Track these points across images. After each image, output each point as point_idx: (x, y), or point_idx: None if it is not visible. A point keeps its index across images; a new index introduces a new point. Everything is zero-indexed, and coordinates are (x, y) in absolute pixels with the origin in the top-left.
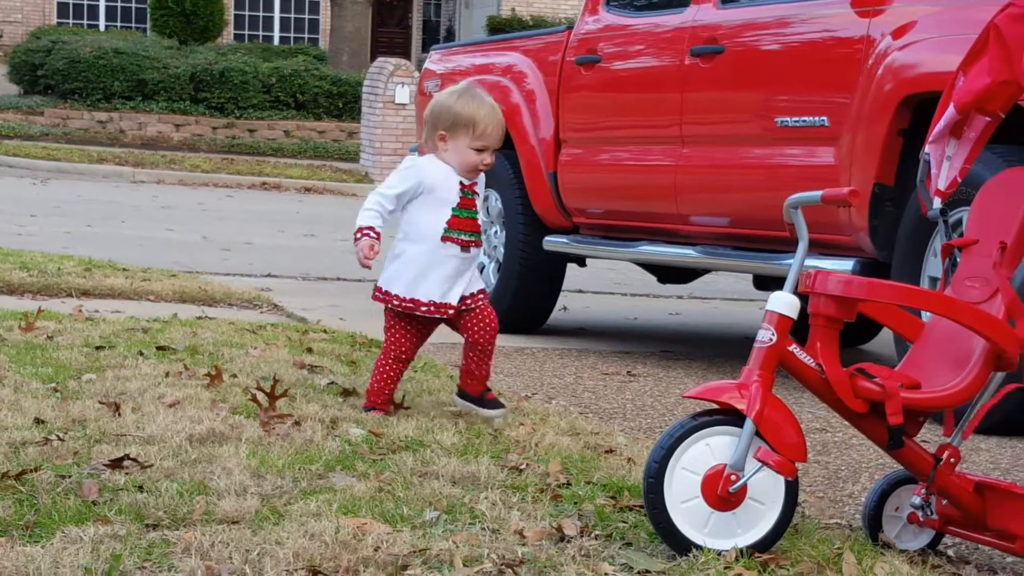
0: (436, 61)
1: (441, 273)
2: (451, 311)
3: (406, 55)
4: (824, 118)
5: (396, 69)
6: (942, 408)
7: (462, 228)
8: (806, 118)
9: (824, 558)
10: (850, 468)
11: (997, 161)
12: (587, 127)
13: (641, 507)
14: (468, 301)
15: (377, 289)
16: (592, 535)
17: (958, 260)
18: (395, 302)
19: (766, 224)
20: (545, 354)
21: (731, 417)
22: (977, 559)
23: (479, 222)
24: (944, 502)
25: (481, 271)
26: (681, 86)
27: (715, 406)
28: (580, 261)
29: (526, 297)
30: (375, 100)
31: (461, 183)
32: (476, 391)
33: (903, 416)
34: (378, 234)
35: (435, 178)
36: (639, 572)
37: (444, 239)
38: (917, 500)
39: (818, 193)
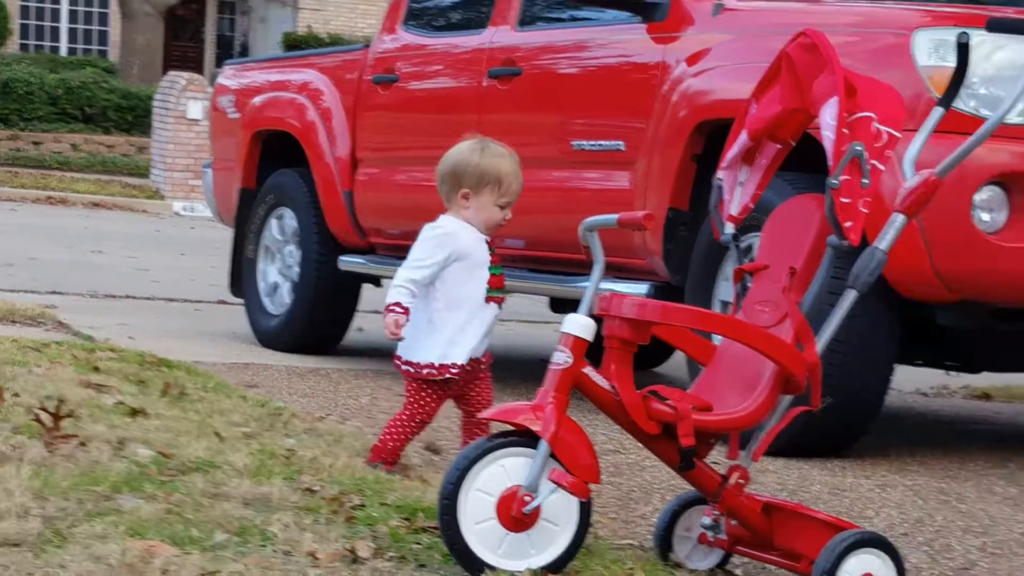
0: (230, 76)
1: (472, 332)
2: (455, 370)
3: (199, 70)
4: (620, 142)
5: (189, 84)
6: (732, 430)
7: (498, 286)
8: (602, 142)
9: None
10: (642, 489)
11: (787, 188)
12: (384, 147)
13: (436, 528)
14: (480, 363)
15: (406, 362)
16: (386, 557)
17: (749, 285)
18: (425, 371)
19: (562, 247)
20: (340, 375)
21: (526, 439)
22: None
23: (504, 277)
24: (733, 522)
25: (276, 290)
26: (479, 107)
27: (510, 427)
28: (376, 281)
29: (321, 317)
30: (167, 115)
31: (486, 240)
32: None
33: (695, 438)
34: (406, 309)
35: (468, 243)
36: None
37: (488, 300)
38: (707, 520)
39: (614, 216)
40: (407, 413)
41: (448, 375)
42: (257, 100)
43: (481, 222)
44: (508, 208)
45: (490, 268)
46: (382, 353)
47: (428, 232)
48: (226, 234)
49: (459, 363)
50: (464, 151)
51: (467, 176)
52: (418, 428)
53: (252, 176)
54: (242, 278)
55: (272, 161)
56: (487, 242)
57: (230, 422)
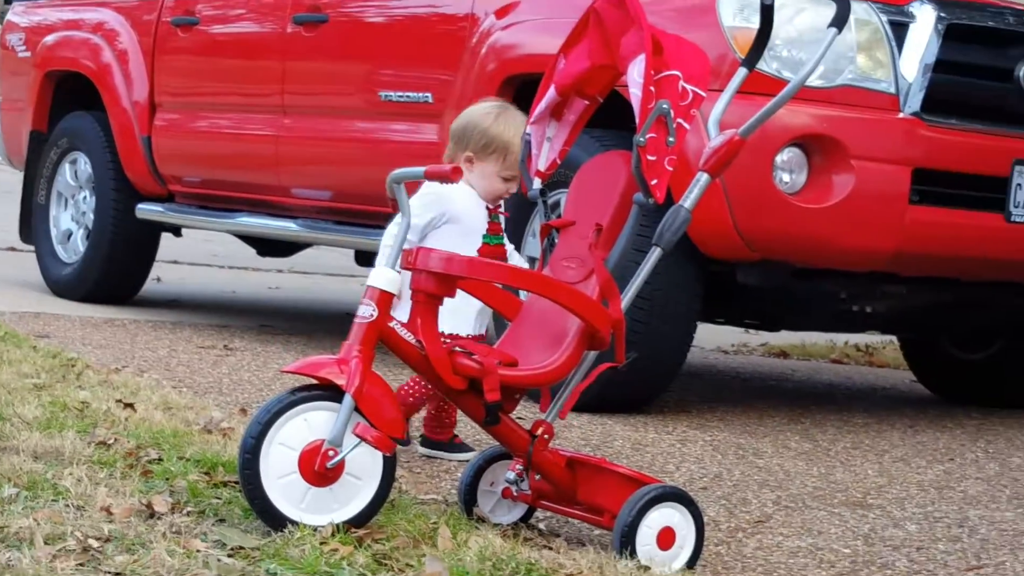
0: (20, 13)
1: (472, 306)
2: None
3: None
4: (428, 94)
5: None
6: (538, 386)
7: (493, 256)
8: (410, 93)
9: (420, 533)
10: None
11: (595, 144)
12: (184, 92)
13: (236, 483)
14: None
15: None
16: (184, 511)
17: (556, 241)
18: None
19: (369, 199)
20: (137, 326)
21: (330, 392)
22: (567, 532)
23: (506, 250)
24: (537, 477)
25: (69, 238)
26: (283, 54)
27: (314, 381)
28: (175, 230)
29: (117, 266)
30: None
31: (488, 207)
32: (445, 437)
33: (500, 393)
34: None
35: (462, 207)
36: (232, 549)
37: None
38: (512, 475)
39: (421, 169)
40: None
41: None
42: (49, 39)
43: (482, 190)
44: (514, 182)
45: (486, 237)
46: (181, 304)
47: (422, 189)
48: (16, 178)
49: (469, 334)
50: (478, 112)
51: (474, 140)
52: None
53: (44, 118)
54: (33, 224)
55: (65, 103)
56: (490, 209)
57: (20, 373)
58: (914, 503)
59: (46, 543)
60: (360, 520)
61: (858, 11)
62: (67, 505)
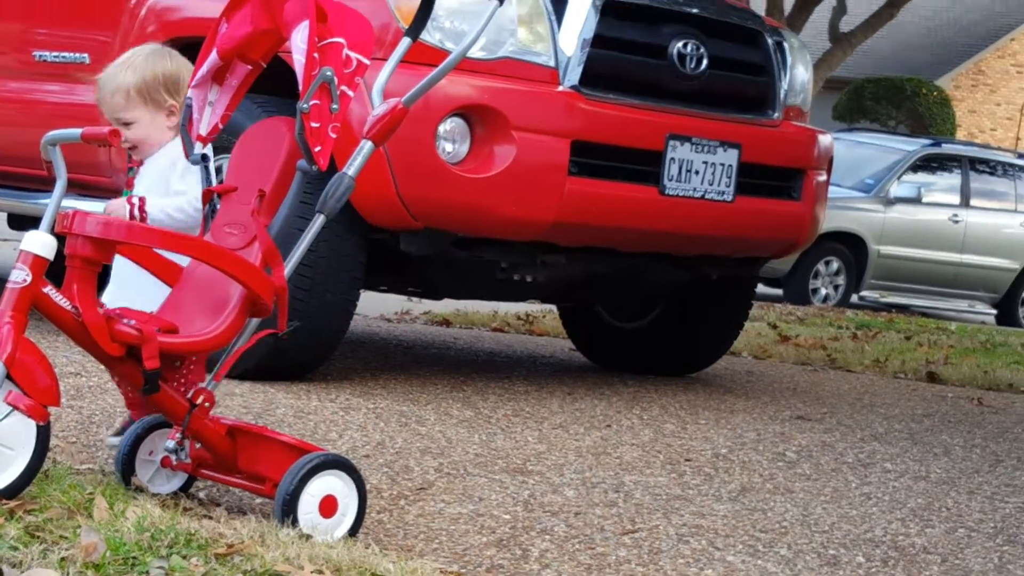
0: None
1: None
2: None
3: None
4: (85, 55)
5: None
6: (199, 353)
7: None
8: (66, 54)
9: (75, 503)
10: (105, 413)
11: (257, 110)
12: None
13: None
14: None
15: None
16: None
17: (218, 207)
18: None
19: (22, 161)
20: None
21: None
22: (228, 501)
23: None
24: (197, 446)
25: None
26: None
27: None
28: None
29: None
30: None
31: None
32: None
33: (160, 360)
34: None
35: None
36: None
37: None
38: (171, 444)
39: (78, 131)
40: None
41: None
42: None
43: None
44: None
45: (126, 192)
46: None
47: None
48: None
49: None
50: None
51: None
52: None
53: None
54: None
55: None
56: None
57: None
58: (572, 469)
59: None
60: (11, 492)
61: None
62: None
